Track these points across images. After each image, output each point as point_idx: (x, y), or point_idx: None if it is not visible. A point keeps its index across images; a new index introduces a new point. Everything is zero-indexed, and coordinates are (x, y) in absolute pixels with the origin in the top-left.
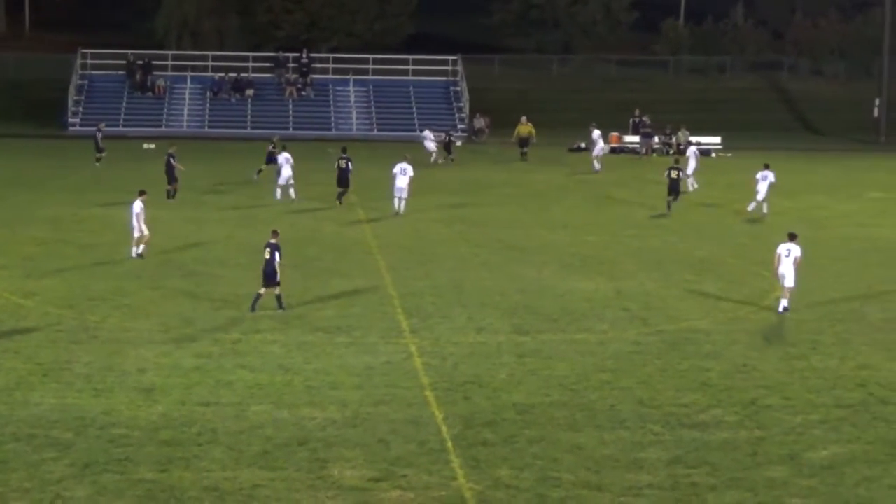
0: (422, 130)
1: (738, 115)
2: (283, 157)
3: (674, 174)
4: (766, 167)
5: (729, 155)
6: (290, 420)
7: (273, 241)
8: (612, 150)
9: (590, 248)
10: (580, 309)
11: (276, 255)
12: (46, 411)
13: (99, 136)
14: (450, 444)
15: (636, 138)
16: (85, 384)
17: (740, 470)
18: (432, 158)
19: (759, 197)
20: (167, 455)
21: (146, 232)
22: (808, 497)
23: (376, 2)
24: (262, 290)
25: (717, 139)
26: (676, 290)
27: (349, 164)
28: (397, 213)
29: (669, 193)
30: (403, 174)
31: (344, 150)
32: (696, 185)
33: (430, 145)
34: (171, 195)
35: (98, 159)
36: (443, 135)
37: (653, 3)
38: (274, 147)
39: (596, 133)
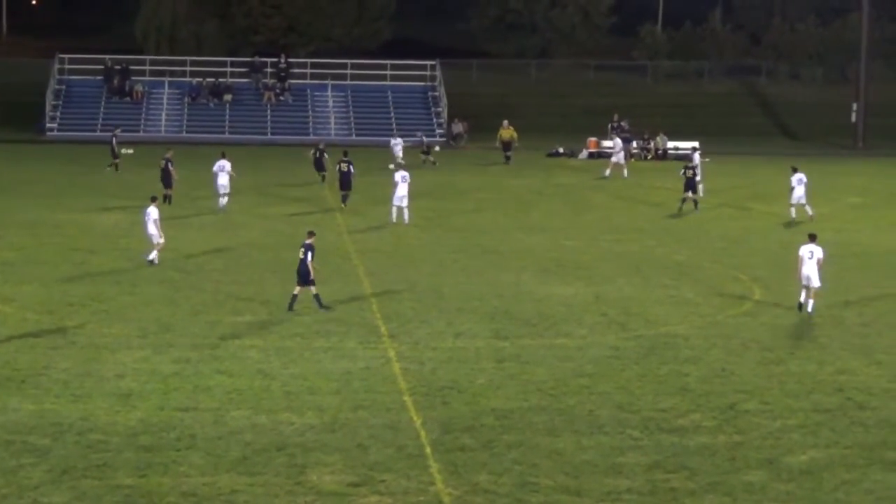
0: (393, 137)
1: (717, 120)
2: (219, 165)
3: (689, 172)
4: (796, 170)
5: (707, 160)
6: (269, 425)
7: (308, 241)
8: (590, 156)
9: (568, 253)
10: (559, 314)
11: (310, 255)
12: (24, 417)
13: (114, 141)
14: (428, 449)
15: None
16: (63, 390)
17: (719, 474)
18: (392, 165)
19: (795, 200)
20: (146, 460)
21: (162, 239)
22: (787, 501)
23: (354, 6)
24: (297, 290)
25: (696, 144)
26: (655, 295)
27: (350, 167)
28: (393, 223)
29: (686, 191)
30: (404, 181)
31: (345, 154)
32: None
33: (399, 151)
34: (167, 200)
35: (112, 165)
36: (420, 138)
37: (631, 8)
38: (318, 153)
39: (618, 141)
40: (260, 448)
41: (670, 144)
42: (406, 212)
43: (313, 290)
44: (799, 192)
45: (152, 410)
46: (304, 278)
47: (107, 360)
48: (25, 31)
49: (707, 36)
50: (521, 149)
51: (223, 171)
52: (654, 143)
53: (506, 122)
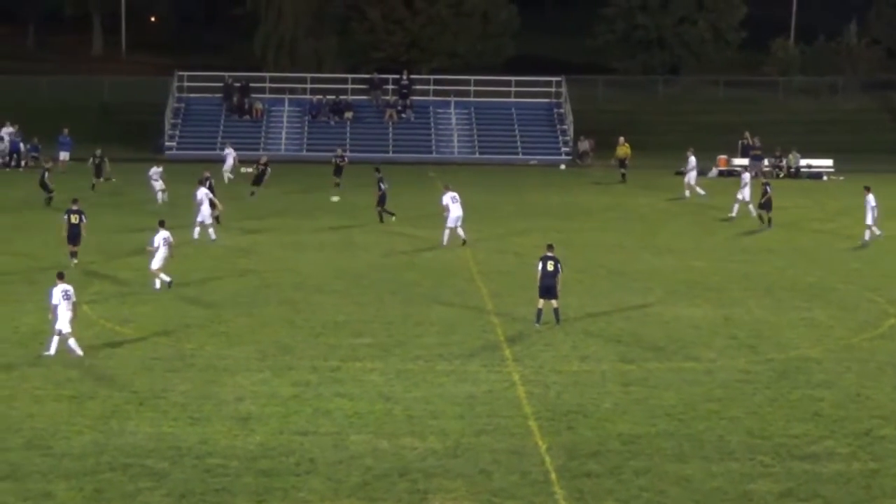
0: (222, 149)
1: (851, 137)
2: (202, 192)
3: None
4: (868, 190)
5: (841, 178)
6: (390, 450)
7: (550, 254)
8: (720, 174)
9: (696, 274)
10: (687, 336)
11: (558, 267)
12: (142, 440)
13: (338, 160)
14: (553, 475)
15: (745, 161)
16: (181, 413)
17: None
18: (226, 178)
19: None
20: (265, 485)
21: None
22: None
23: (478, 22)
24: (541, 304)
25: (829, 162)
26: (786, 317)
27: (381, 184)
28: (444, 246)
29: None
30: (455, 202)
31: (378, 170)
32: (752, 213)
33: (229, 163)
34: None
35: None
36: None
37: (762, 23)
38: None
39: (692, 160)
40: (381, 473)
41: (803, 162)
42: (461, 231)
43: (555, 304)
44: (873, 214)
45: (271, 434)
46: (548, 292)
47: (225, 383)
48: (144, 49)
49: (841, 50)
50: (649, 167)
51: (207, 199)
52: (787, 161)
53: (622, 139)
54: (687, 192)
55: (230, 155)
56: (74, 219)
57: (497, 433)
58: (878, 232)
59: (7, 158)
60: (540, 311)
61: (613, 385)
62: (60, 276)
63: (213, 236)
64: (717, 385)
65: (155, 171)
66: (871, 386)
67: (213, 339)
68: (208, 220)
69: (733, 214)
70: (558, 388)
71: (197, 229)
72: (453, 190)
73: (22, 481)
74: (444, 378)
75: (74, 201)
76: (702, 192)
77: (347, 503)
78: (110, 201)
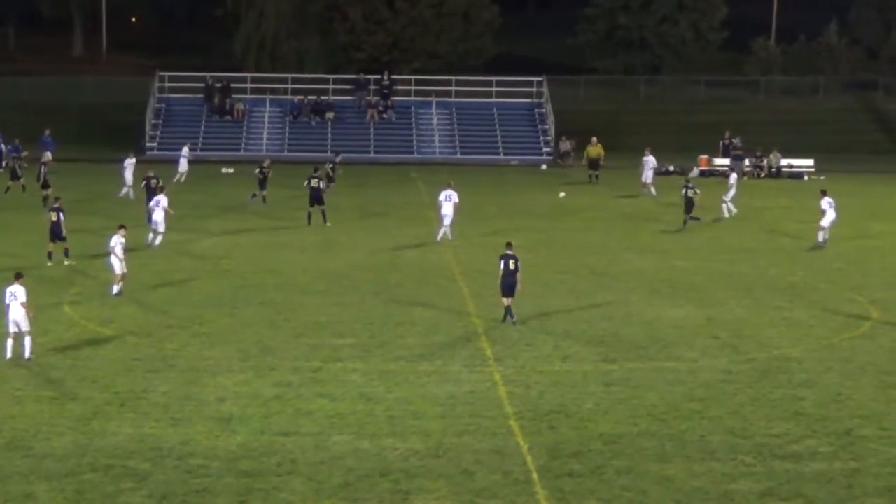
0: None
1: (832, 137)
2: (155, 200)
3: (689, 192)
4: (824, 193)
5: (822, 178)
6: (372, 450)
7: (510, 252)
8: (702, 174)
9: (678, 274)
10: (669, 336)
11: (518, 265)
12: (123, 441)
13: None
14: (535, 475)
15: (726, 161)
16: (162, 414)
17: (835, 503)
18: (181, 178)
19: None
20: (246, 486)
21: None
22: None
23: (459, 22)
24: (506, 302)
25: (810, 162)
26: (768, 317)
27: (320, 183)
28: (441, 240)
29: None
30: (448, 201)
31: (315, 170)
32: (733, 210)
33: (184, 163)
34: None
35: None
36: (336, 160)
37: (743, 23)
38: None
39: (647, 158)
40: (363, 474)
41: (784, 162)
42: (448, 230)
43: (507, 301)
44: (831, 216)
45: (253, 435)
46: (512, 290)
47: (207, 384)
48: (125, 50)
49: (822, 50)
50: (630, 167)
51: (159, 207)
52: (768, 161)
53: (594, 139)
54: (643, 190)
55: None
56: (54, 216)
57: (479, 433)
58: (823, 238)
59: None
60: (507, 308)
61: (595, 385)
62: (17, 277)
63: (156, 243)
64: (699, 385)
65: (129, 161)
66: (852, 386)
67: (194, 340)
68: (161, 228)
69: (726, 215)
70: (540, 389)
71: (151, 235)
72: (454, 188)
73: (3, 482)
74: (426, 378)
75: (56, 199)
76: (654, 191)
77: None
78: (90, 202)
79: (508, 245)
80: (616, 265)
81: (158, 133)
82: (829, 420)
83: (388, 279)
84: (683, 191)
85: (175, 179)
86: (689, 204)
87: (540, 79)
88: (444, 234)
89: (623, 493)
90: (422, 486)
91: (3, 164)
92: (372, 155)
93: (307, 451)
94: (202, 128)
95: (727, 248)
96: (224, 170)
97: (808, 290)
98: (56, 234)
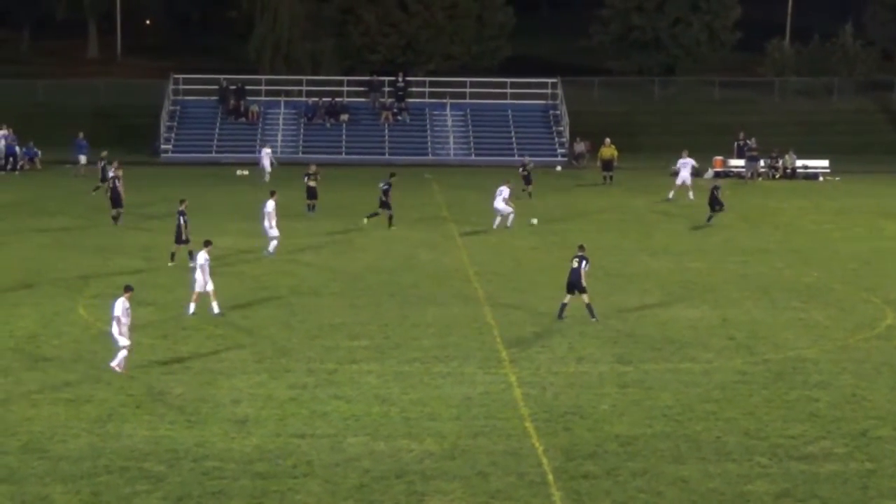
0: (260, 150)
1: (847, 138)
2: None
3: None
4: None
5: (837, 179)
6: (387, 452)
7: (579, 253)
8: (716, 175)
9: (693, 275)
10: (684, 337)
11: (584, 263)
12: (139, 443)
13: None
14: (550, 476)
15: (741, 162)
16: (178, 415)
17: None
18: (266, 178)
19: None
20: (261, 488)
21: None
22: None
23: (473, 24)
24: (567, 299)
25: (825, 163)
26: (783, 318)
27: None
28: (499, 228)
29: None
30: (498, 195)
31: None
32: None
33: (266, 163)
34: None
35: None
36: (527, 163)
37: (757, 24)
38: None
39: (683, 162)
40: (378, 475)
41: (799, 163)
42: (499, 220)
43: (586, 298)
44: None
45: (268, 437)
46: (576, 287)
47: (222, 386)
48: (140, 52)
49: (837, 51)
50: (646, 168)
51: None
52: (783, 162)
53: (607, 140)
54: (671, 194)
55: (267, 155)
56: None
57: (494, 435)
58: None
59: (3, 162)
60: (562, 305)
61: (610, 386)
62: (127, 289)
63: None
64: (714, 386)
65: (265, 151)
66: (868, 386)
67: (209, 342)
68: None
69: (670, 197)
70: (555, 390)
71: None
72: (509, 185)
73: (19, 484)
74: (441, 380)
75: (181, 202)
76: (692, 195)
77: None
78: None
79: (580, 247)
80: (631, 266)
81: (173, 135)
82: (844, 421)
83: (402, 281)
84: (710, 192)
85: (263, 179)
86: (714, 201)
87: (554, 80)
88: (500, 223)
89: (638, 495)
90: (437, 488)
91: (18, 166)
92: (387, 157)
93: (322, 453)
94: (217, 130)
95: (742, 249)
96: (238, 172)
97: (823, 291)
98: (179, 237)
